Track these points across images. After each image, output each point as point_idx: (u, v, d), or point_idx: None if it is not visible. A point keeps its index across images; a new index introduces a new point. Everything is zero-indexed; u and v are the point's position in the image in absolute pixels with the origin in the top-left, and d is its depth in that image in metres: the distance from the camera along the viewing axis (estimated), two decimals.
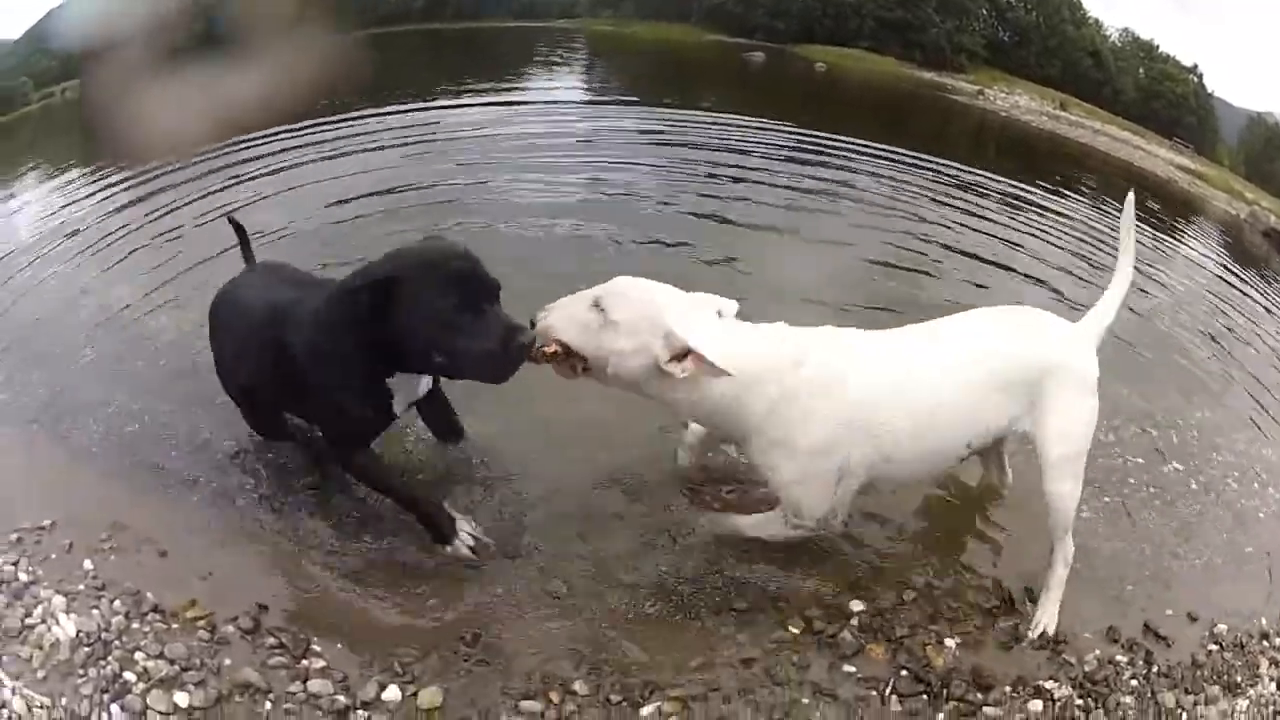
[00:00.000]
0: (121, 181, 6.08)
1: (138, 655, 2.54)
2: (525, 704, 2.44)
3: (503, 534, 2.97)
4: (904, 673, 2.60)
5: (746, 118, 8.58)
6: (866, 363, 2.54)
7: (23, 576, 2.80)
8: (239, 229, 3.37)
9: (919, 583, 2.90)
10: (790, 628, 2.71)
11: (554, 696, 2.47)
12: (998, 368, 2.61)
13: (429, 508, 2.83)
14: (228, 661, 2.53)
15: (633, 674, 2.52)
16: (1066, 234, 6.49)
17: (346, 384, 2.62)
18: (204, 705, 2.42)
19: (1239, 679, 2.74)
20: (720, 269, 4.94)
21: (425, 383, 2.83)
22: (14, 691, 2.41)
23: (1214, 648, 2.85)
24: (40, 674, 2.48)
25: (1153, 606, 2.96)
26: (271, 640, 2.61)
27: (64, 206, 5.77)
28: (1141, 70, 12.33)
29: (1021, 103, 11.17)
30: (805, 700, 2.50)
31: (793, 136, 8.19)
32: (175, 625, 2.66)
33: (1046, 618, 2.78)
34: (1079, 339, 2.74)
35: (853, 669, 2.59)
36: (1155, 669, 2.73)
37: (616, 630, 2.67)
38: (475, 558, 2.85)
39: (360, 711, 2.40)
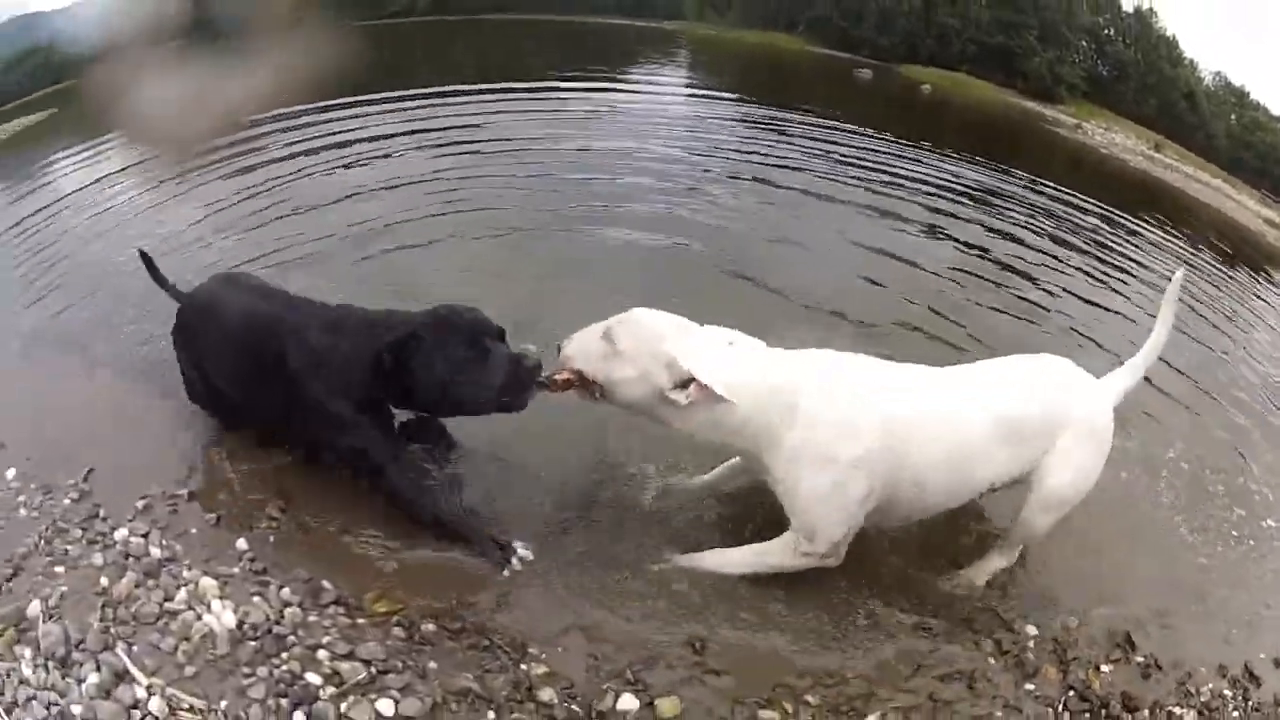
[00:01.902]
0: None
1: (321, 654, 2.33)
2: (763, 713, 2.39)
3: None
4: (1071, 692, 2.66)
5: (854, 128, 8.69)
6: (902, 389, 2.58)
7: (155, 551, 2.59)
8: (147, 259, 3.34)
9: (1080, 611, 2.96)
10: (983, 647, 2.74)
11: (788, 706, 2.41)
12: (1028, 416, 2.66)
13: (474, 528, 2.84)
14: (433, 665, 2.35)
15: (853, 685, 2.51)
16: (1138, 284, 6.42)
17: (360, 414, 2.75)
18: (416, 716, 2.22)
19: None
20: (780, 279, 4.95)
21: None
22: (152, 690, 2.18)
23: None
24: (189, 670, 2.25)
25: (1250, 649, 3.04)
26: (482, 641, 2.45)
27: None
28: (1233, 116, 12.25)
29: (1119, 140, 11.11)
30: (998, 714, 2.54)
31: (893, 153, 8.27)
32: (363, 621, 2.46)
33: (979, 580, 2.94)
34: (1102, 397, 2.79)
35: (1032, 687, 2.64)
36: (1250, 704, 2.83)
37: (831, 642, 2.65)
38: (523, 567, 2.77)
39: None
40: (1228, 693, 2.85)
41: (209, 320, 2.95)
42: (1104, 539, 3.20)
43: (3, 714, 2.11)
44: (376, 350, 2.60)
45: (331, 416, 2.71)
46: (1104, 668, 2.79)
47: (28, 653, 2.27)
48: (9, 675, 2.20)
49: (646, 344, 2.47)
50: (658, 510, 3.05)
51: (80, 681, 2.20)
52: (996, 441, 2.63)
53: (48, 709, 2.14)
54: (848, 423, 2.48)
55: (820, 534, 2.58)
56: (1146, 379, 2.98)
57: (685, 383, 2.43)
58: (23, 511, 2.77)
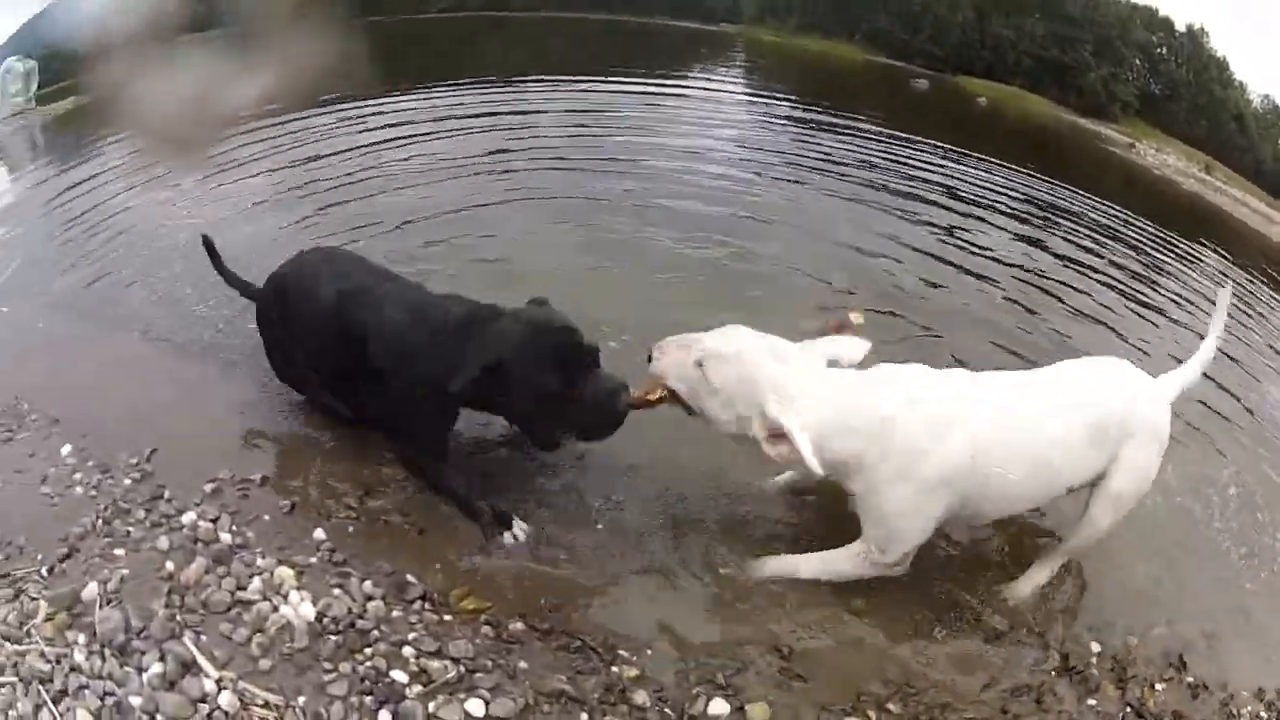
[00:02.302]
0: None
1: (407, 651, 2.26)
2: None
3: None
4: (1129, 709, 2.66)
5: (909, 136, 8.65)
6: (984, 406, 2.55)
7: (225, 537, 2.52)
8: (209, 247, 3.34)
9: (1139, 631, 2.94)
10: (1050, 661, 2.73)
11: (871, 714, 2.39)
12: (1100, 420, 2.66)
13: (470, 507, 2.82)
14: (523, 665, 2.29)
15: (929, 695, 2.50)
16: (1189, 306, 6.25)
17: (428, 412, 2.75)
18: (508, 717, 2.15)
19: None
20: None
21: None
22: (222, 683, 2.09)
23: None
24: (264, 663, 2.16)
25: None
26: (572, 643, 2.39)
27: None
28: None
29: (1170, 161, 11.02)
30: None
31: (949, 164, 8.22)
32: (450, 618, 2.40)
33: (1026, 592, 2.93)
34: (1162, 398, 2.80)
35: (1094, 703, 2.63)
36: None
37: (908, 650, 2.65)
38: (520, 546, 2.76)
39: None
40: (1264, 715, 2.83)
41: (302, 294, 2.91)
42: (1159, 561, 3.23)
43: (50, 703, 2.02)
44: (460, 370, 2.53)
45: (402, 406, 2.73)
46: (1158, 686, 2.78)
47: (81, 638, 2.17)
48: (59, 661, 2.11)
49: (742, 385, 2.42)
50: (731, 514, 3.04)
51: (141, 671, 2.08)
52: (1083, 445, 2.65)
53: (102, 699, 2.04)
54: (934, 443, 2.46)
55: (894, 546, 2.59)
56: (1201, 402, 3.09)
57: (775, 436, 2.38)
58: (79, 490, 2.69)
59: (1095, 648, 2.81)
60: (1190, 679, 2.81)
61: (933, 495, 2.51)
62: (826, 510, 3.02)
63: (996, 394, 2.60)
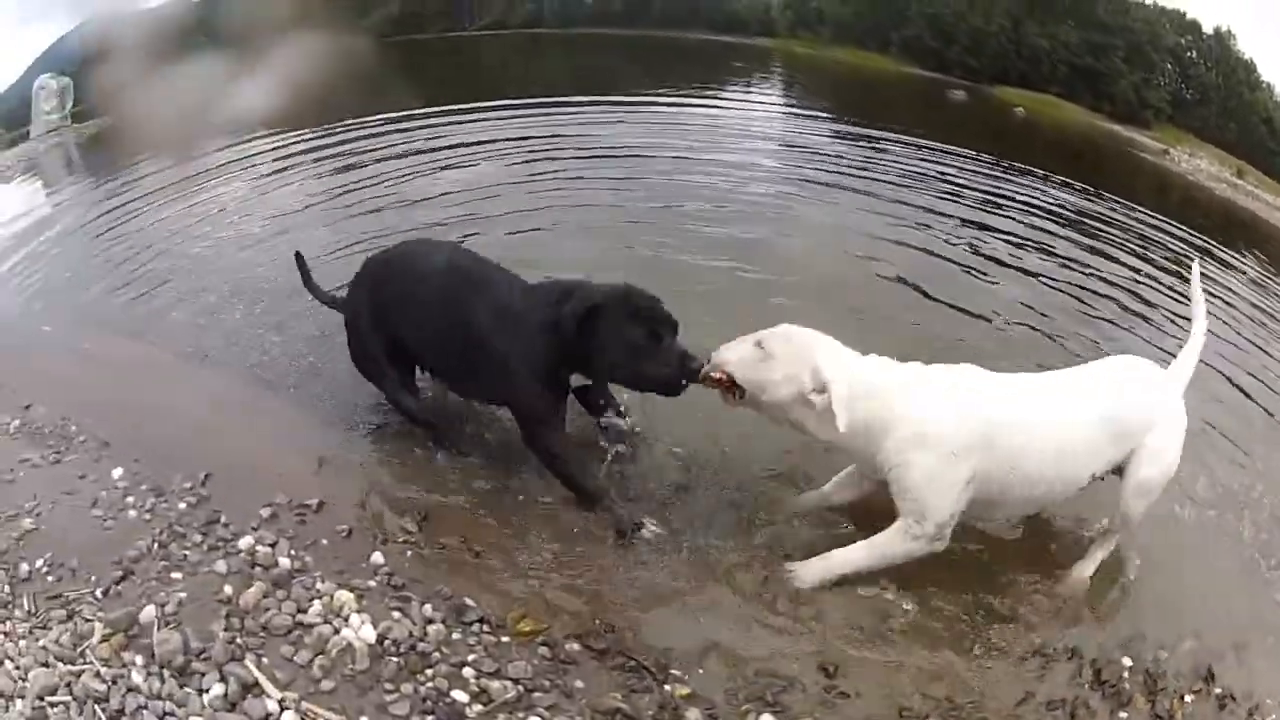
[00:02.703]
0: None
1: (467, 672, 2.28)
2: None
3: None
4: None
5: (947, 147, 8.67)
6: (1004, 389, 2.81)
7: (284, 562, 2.54)
8: (300, 261, 3.50)
9: (1169, 644, 2.97)
10: (1084, 675, 2.76)
11: None
12: (1118, 410, 2.86)
13: (604, 500, 3.05)
14: (579, 684, 2.31)
15: (967, 711, 2.52)
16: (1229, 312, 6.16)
17: (536, 376, 2.94)
18: None
19: None
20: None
21: None
22: (285, 704, 2.11)
23: None
24: (326, 684, 2.18)
25: None
26: (627, 662, 2.41)
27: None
28: None
29: (1203, 166, 10.95)
30: None
31: (987, 174, 8.22)
32: (507, 640, 2.42)
33: (1081, 579, 3.07)
34: (1177, 390, 2.99)
35: (1125, 716, 2.67)
36: None
37: (948, 664, 2.69)
38: (648, 542, 2.97)
39: None
40: None
41: (406, 276, 3.13)
42: (1189, 573, 3.28)
43: None
44: (561, 315, 2.81)
45: (512, 373, 2.93)
46: (1187, 698, 2.81)
47: (139, 660, 2.19)
48: (115, 682, 2.13)
49: (797, 351, 2.70)
50: (772, 529, 3.14)
51: (202, 692, 2.11)
52: (1102, 433, 2.84)
53: (161, 719, 2.06)
54: (952, 415, 2.70)
55: (929, 514, 2.73)
56: (1232, 413, 3.33)
57: (822, 389, 2.63)
58: (132, 514, 2.72)
59: (1127, 661, 2.83)
60: (1218, 690, 2.83)
61: (954, 463, 2.70)
62: (860, 519, 3.08)
63: (1017, 384, 2.86)
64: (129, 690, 2.13)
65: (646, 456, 3.25)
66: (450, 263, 3.10)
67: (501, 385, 3.04)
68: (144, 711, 2.08)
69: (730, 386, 2.78)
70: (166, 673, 2.16)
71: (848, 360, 2.75)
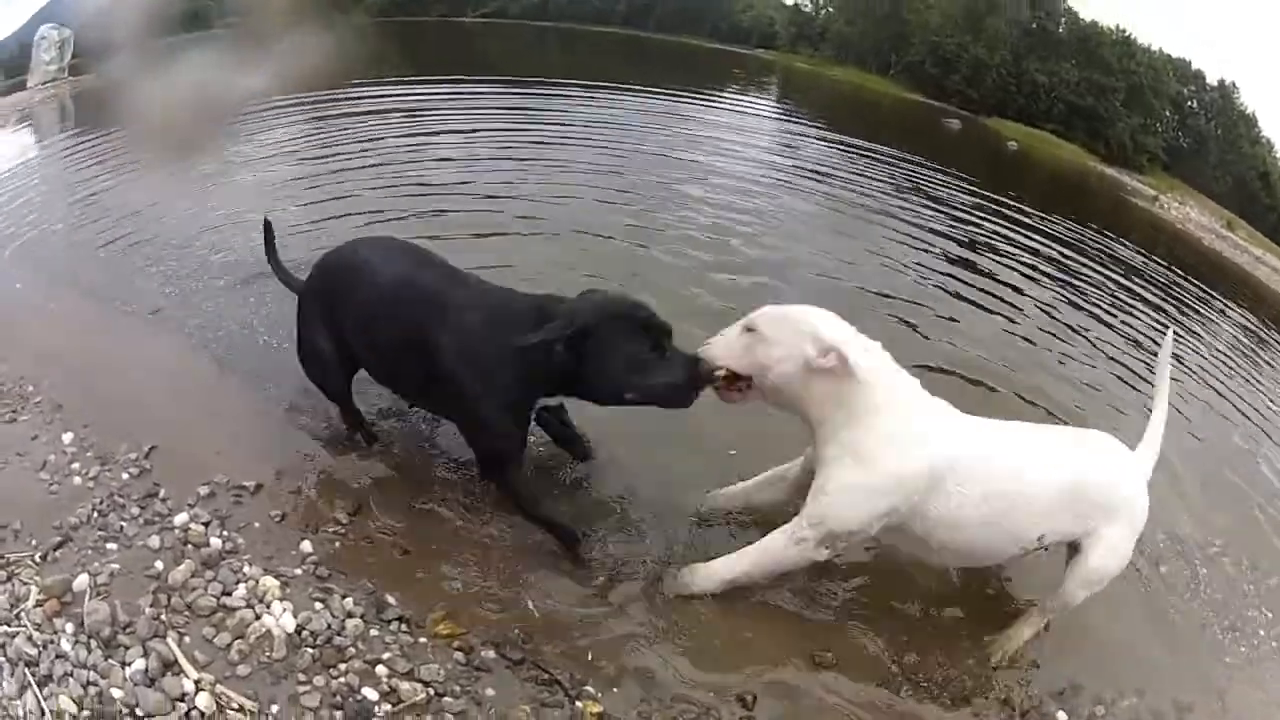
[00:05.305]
0: None
1: (380, 670, 2.28)
2: None
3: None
4: None
5: (938, 175, 8.81)
6: (964, 432, 2.67)
7: (215, 542, 2.54)
8: (268, 230, 3.26)
9: (1107, 700, 2.91)
10: None
11: None
12: (1079, 485, 2.70)
13: (570, 531, 2.86)
14: (490, 692, 2.31)
15: None
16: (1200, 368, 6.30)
17: (507, 410, 2.72)
18: None
19: None
20: None
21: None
22: (200, 685, 2.13)
23: None
24: (242, 669, 2.21)
25: None
26: (541, 675, 2.40)
27: None
28: None
29: (1193, 215, 11.04)
30: None
31: (971, 205, 8.30)
32: (424, 640, 2.41)
33: (1011, 646, 2.92)
34: (1141, 478, 2.82)
35: None
36: None
37: (873, 708, 2.62)
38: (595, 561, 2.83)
39: None
40: None
41: (357, 283, 2.84)
42: (1137, 627, 3.22)
43: (34, 685, 2.07)
44: (548, 341, 2.54)
45: (480, 408, 2.70)
46: None
47: (69, 627, 2.22)
48: (46, 647, 2.16)
49: (790, 324, 2.58)
50: (707, 547, 3.01)
51: (125, 665, 2.14)
52: (1056, 504, 2.69)
53: (85, 688, 2.10)
54: (904, 444, 2.58)
55: (827, 521, 2.63)
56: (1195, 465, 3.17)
57: (827, 350, 2.51)
58: (77, 480, 2.73)
59: (1061, 716, 2.78)
60: None
61: (883, 494, 2.60)
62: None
63: (981, 429, 2.72)
64: (58, 656, 2.15)
65: (593, 473, 3.20)
66: (408, 274, 2.81)
67: (467, 419, 2.81)
68: (70, 679, 2.11)
69: (733, 380, 2.66)
70: (94, 643, 2.19)
71: (843, 324, 2.62)
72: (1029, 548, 2.77)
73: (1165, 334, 3.09)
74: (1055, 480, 2.68)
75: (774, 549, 2.73)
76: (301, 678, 2.23)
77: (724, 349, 2.66)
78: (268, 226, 3.23)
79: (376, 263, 2.84)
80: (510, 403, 2.71)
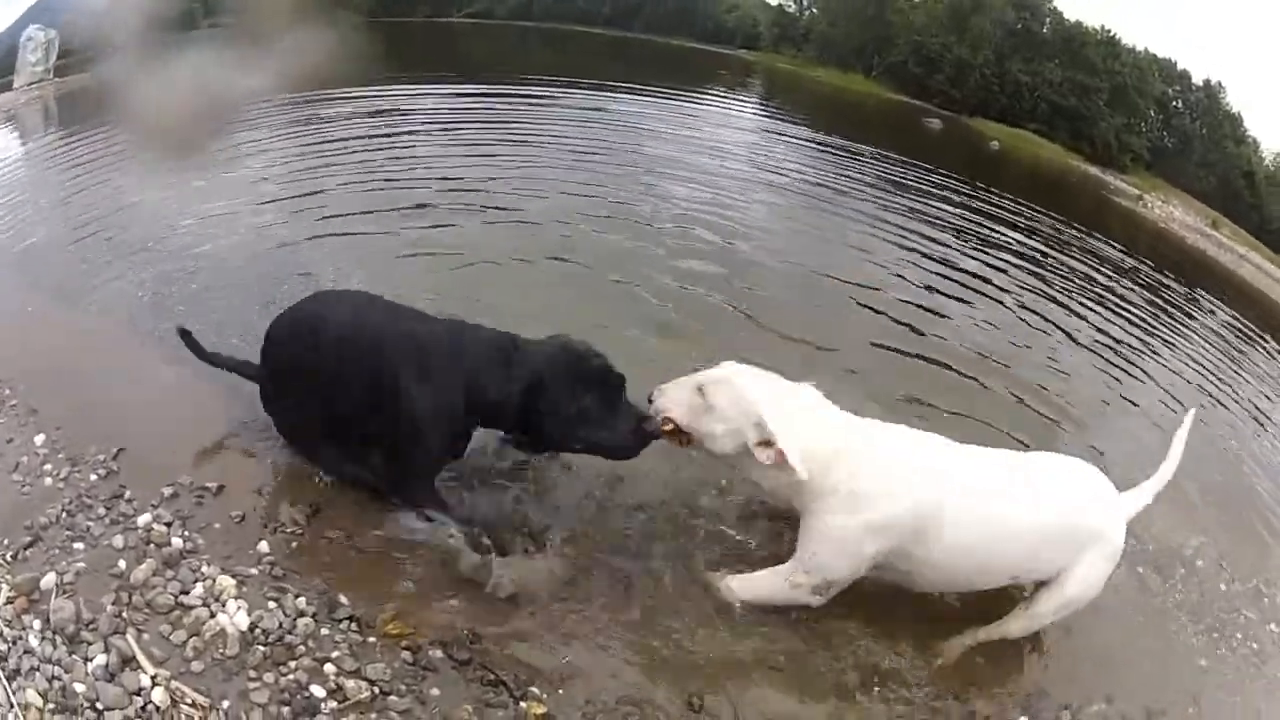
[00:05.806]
0: None
1: (328, 668, 2.33)
2: None
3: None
4: None
5: (918, 173, 8.86)
6: (946, 469, 2.67)
7: (176, 542, 2.58)
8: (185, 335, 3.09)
9: (1074, 707, 2.86)
10: None
11: None
12: (1061, 522, 2.72)
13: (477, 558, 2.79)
14: (435, 692, 2.34)
15: None
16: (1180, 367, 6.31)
17: (445, 439, 2.79)
18: None
19: None
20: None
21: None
22: (156, 680, 2.20)
23: None
24: (196, 665, 2.26)
25: None
26: (487, 675, 2.42)
27: None
28: None
29: (1176, 214, 11.05)
30: None
31: (950, 205, 8.33)
32: (373, 640, 2.45)
33: (955, 654, 2.88)
34: (1122, 516, 2.83)
35: None
36: None
37: (825, 713, 2.62)
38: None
39: None
40: None
41: (313, 343, 2.80)
42: (1110, 631, 3.16)
43: (3, 679, 2.14)
44: (501, 393, 2.66)
45: (420, 443, 2.74)
46: None
47: (36, 624, 2.30)
48: (15, 643, 2.23)
49: (738, 403, 2.61)
50: (667, 550, 3.03)
51: (87, 660, 2.21)
52: (1039, 540, 2.71)
53: (50, 682, 2.17)
54: (884, 490, 2.60)
55: (819, 570, 2.68)
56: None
57: (768, 443, 2.55)
58: (48, 480, 2.79)
59: None
60: None
61: (868, 537, 2.62)
62: (770, 540, 3.07)
63: (964, 464, 2.73)
64: (26, 652, 2.22)
65: (542, 480, 3.20)
66: (360, 324, 2.78)
67: (403, 434, 2.74)
68: (37, 674, 2.18)
69: (676, 432, 2.72)
70: (59, 639, 2.26)
71: (791, 410, 2.62)
72: (1002, 583, 2.85)
73: (1187, 412, 3.17)
74: (1030, 523, 2.70)
75: (763, 585, 2.80)
76: (252, 674, 2.28)
77: (673, 404, 2.71)
78: (184, 334, 3.09)
79: (330, 316, 2.84)
80: (449, 436, 2.78)
